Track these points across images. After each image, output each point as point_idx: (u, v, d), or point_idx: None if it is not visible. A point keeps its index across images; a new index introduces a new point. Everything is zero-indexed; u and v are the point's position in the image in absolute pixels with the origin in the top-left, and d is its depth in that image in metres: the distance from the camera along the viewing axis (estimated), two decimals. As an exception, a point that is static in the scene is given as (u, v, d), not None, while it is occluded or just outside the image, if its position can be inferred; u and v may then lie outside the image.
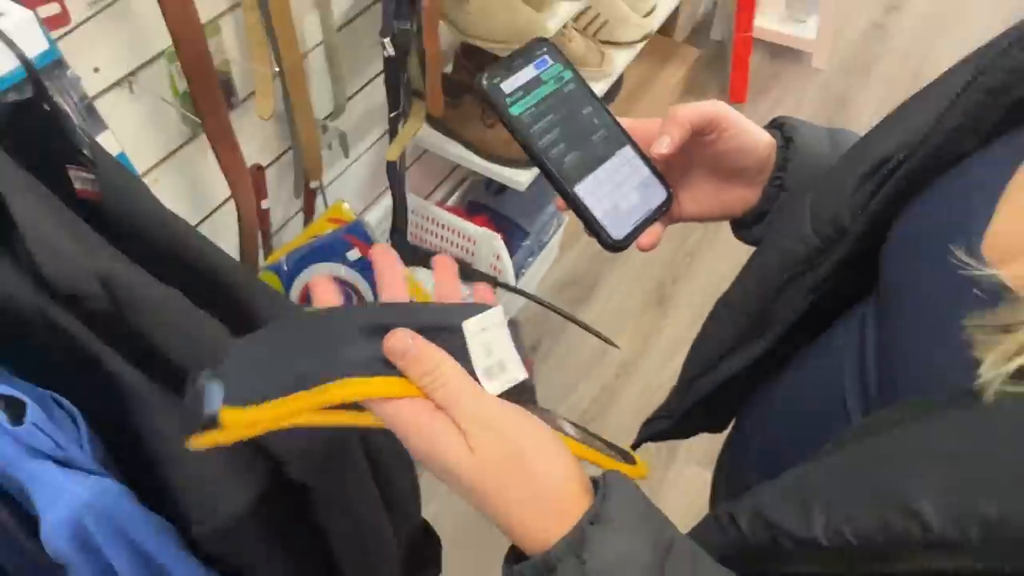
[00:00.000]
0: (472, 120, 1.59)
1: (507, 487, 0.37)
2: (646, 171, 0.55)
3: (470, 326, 0.39)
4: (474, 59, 1.57)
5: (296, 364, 0.38)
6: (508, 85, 0.51)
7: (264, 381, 0.37)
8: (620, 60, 1.81)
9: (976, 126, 0.44)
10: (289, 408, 0.36)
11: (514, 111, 0.51)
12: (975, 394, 0.33)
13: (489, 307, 0.40)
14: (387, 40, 1.15)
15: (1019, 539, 0.29)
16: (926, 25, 2.80)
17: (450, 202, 2.01)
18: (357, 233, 1.36)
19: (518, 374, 0.40)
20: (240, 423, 0.36)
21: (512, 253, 1.80)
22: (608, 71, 1.78)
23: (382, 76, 1.29)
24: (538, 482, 0.38)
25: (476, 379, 0.39)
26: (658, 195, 0.55)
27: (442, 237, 1.74)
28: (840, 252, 0.49)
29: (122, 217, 0.56)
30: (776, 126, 0.59)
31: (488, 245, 1.66)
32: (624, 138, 0.55)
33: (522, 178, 1.57)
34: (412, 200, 1.69)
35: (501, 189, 1.92)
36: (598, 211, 0.52)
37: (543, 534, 0.37)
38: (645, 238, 0.54)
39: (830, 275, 0.50)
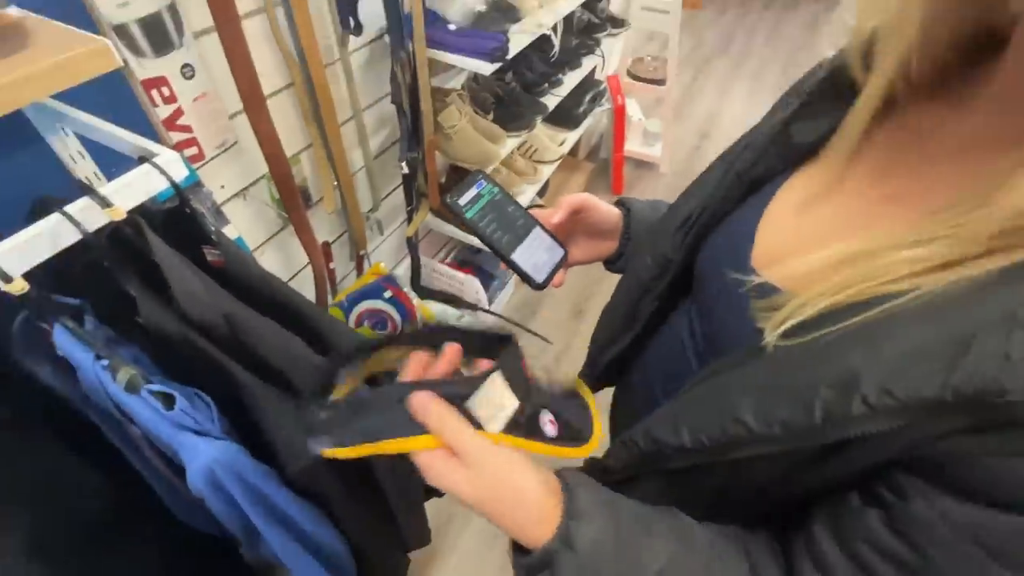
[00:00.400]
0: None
1: (500, 501, 0.35)
2: (549, 239, 0.56)
3: (475, 397, 0.37)
4: (458, 173, 1.58)
5: (367, 423, 0.38)
6: (462, 200, 0.52)
7: (349, 434, 0.37)
8: (545, 172, 1.83)
9: (736, 193, 0.45)
10: (362, 451, 0.37)
11: (468, 215, 0.52)
12: (763, 349, 0.33)
13: (489, 374, 0.36)
14: (403, 163, 1.15)
15: (801, 431, 0.29)
16: (727, 143, 2.90)
17: (448, 260, 2.00)
18: (390, 281, 1.34)
19: (513, 406, 0.37)
20: (335, 454, 0.37)
21: (486, 289, 1.79)
22: (539, 179, 1.79)
23: (402, 185, 1.29)
24: (521, 494, 0.35)
25: (480, 425, 0.36)
26: (559, 252, 0.56)
27: (443, 281, 1.72)
28: (671, 274, 0.49)
29: (239, 277, 0.56)
30: (620, 203, 0.61)
31: (471, 285, 1.66)
32: (534, 222, 0.55)
33: (490, 243, 1.57)
34: (423, 259, 1.68)
35: (478, 251, 1.93)
36: (527, 267, 0.53)
37: (536, 532, 0.34)
38: (556, 279, 0.55)
39: (666, 287, 0.50)
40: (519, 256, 0.53)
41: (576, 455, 0.41)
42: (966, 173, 0.32)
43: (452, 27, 1.18)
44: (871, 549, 0.29)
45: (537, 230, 0.55)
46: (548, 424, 0.40)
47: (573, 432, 0.41)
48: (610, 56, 2.32)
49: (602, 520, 0.34)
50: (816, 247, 0.35)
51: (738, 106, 3.21)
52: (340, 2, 0.93)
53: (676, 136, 2.85)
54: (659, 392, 0.49)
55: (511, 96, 1.51)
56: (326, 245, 1.28)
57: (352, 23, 0.96)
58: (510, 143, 1.45)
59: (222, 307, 0.47)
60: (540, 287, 0.54)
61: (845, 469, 0.30)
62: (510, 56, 1.18)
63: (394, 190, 1.45)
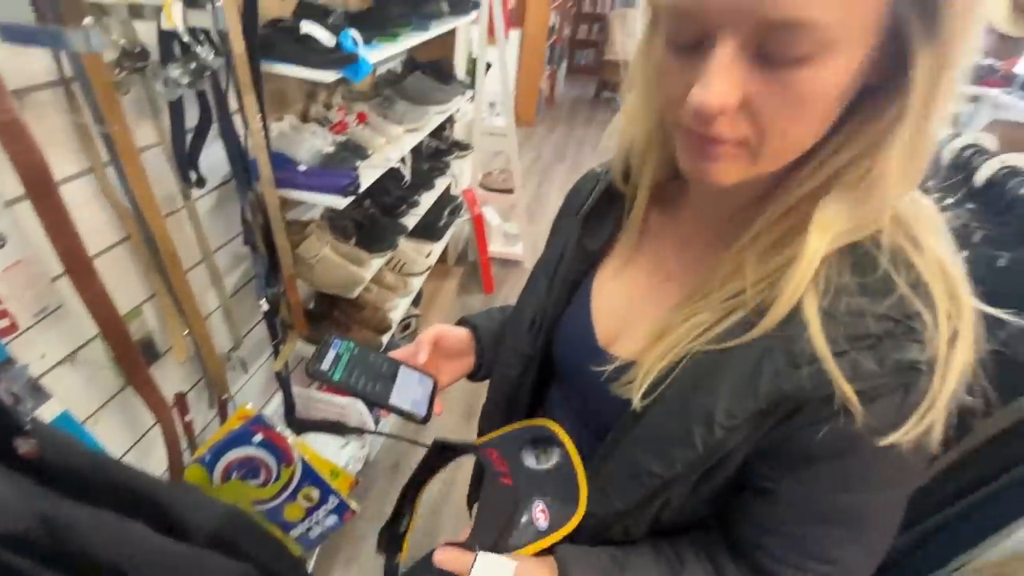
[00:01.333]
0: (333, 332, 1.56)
1: None
2: (416, 374, 0.57)
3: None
4: (327, 298, 1.56)
5: None
6: (324, 366, 0.51)
7: None
8: (415, 283, 1.89)
9: (564, 295, 0.53)
10: None
11: (336, 378, 0.51)
12: (637, 412, 0.41)
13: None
14: (262, 301, 1.12)
15: (695, 462, 0.39)
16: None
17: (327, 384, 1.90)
18: (260, 423, 1.23)
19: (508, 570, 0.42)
20: None
21: (371, 408, 1.72)
22: (410, 291, 1.84)
23: (264, 320, 1.25)
24: None
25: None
26: (429, 383, 0.57)
27: (323, 409, 1.62)
28: (534, 368, 0.56)
29: (61, 466, 0.49)
30: (463, 322, 0.65)
31: (354, 408, 1.58)
32: (397, 363, 0.56)
33: (368, 362, 1.54)
34: (298, 391, 1.58)
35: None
36: (407, 407, 0.53)
37: None
38: (436, 408, 0.56)
39: (534, 379, 0.57)
40: (396, 399, 0.53)
41: (569, 529, 0.45)
42: (699, 259, 0.45)
43: (302, 168, 1.24)
44: (765, 525, 0.40)
45: (403, 369, 0.56)
46: (540, 516, 0.46)
47: (563, 512, 0.46)
48: (462, 174, 2.56)
49: None
50: (637, 322, 0.46)
51: (581, 203, 3.67)
52: (179, 158, 0.94)
53: (533, 235, 3.14)
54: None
55: (371, 220, 1.59)
56: (180, 397, 1.16)
57: (194, 176, 0.97)
58: (375, 263, 1.49)
59: (37, 509, 0.40)
60: (426, 420, 0.54)
61: (725, 473, 0.40)
62: (362, 189, 1.26)
63: (256, 324, 1.39)
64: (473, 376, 0.65)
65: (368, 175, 1.34)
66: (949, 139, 1.39)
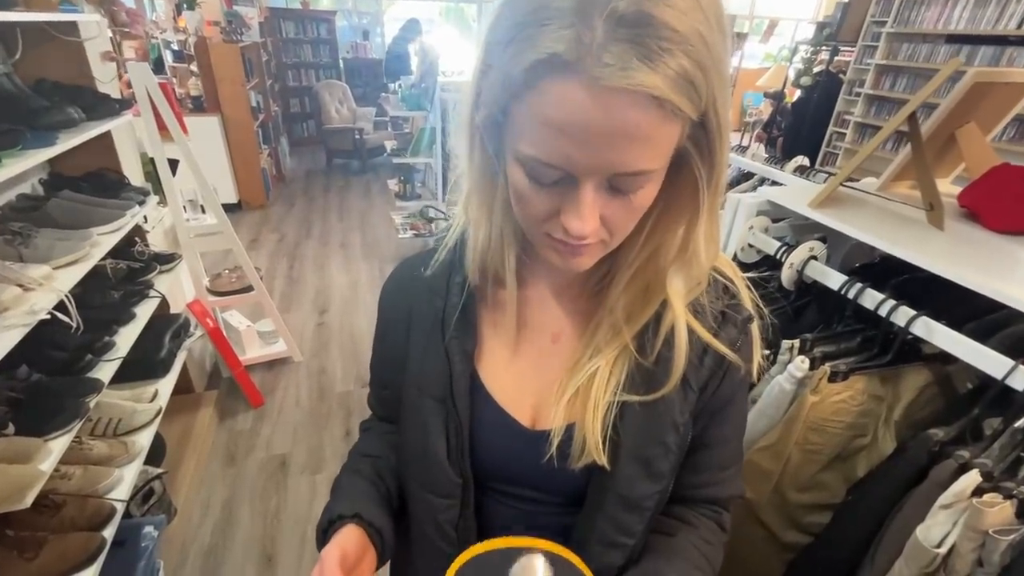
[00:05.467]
0: (11, 564, 1.10)
1: None
2: None
3: None
4: (-11, 518, 1.10)
5: None
6: None
7: None
8: (144, 438, 1.49)
9: (464, 402, 0.51)
10: None
11: None
12: (605, 471, 0.48)
13: None
14: None
15: (673, 468, 0.51)
16: (344, 310, 3.07)
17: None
18: None
19: None
20: None
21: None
22: (138, 451, 1.45)
23: None
24: None
25: None
26: None
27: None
28: (471, 492, 0.52)
29: None
30: (339, 519, 0.52)
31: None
32: None
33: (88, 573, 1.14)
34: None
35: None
36: None
37: None
38: None
39: (471, 504, 0.53)
40: None
41: None
42: (572, 314, 0.52)
43: None
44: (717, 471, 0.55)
45: None
46: None
47: None
48: (179, 287, 2.17)
49: None
50: (547, 391, 0.50)
51: (339, 276, 3.50)
52: None
53: (295, 324, 2.87)
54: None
55: (36, 392, 1.19)
56: None
57: None
58: (57, 446, 1.12)
59: None
60: None
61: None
62: (-8, 365, 0.93)
63: None
64: (379, 565, 0.54)
65: (2, 341, 1.00)
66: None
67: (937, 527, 0.65)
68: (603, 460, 0.46)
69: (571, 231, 0.38)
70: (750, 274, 0.54)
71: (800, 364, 0.84)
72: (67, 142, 1.31)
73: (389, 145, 4.10)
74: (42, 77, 1.54)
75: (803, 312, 1.05)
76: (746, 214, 1.12)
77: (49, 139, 1.26)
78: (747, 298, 0.50)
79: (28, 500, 1.00)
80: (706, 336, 0.47)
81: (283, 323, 2.52)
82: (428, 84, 3.42)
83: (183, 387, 2.09)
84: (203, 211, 2.30)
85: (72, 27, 1.60)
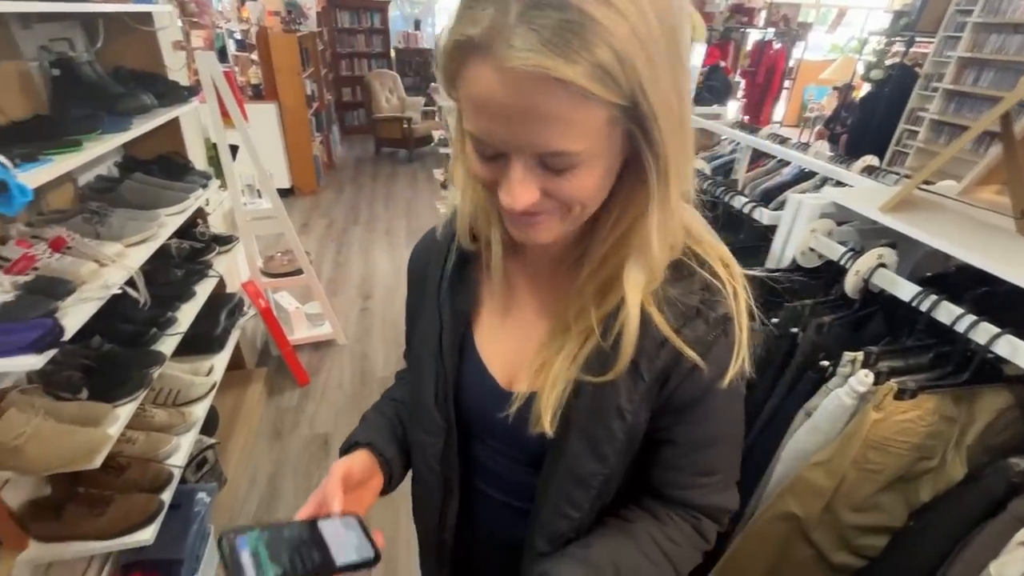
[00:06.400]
0: (82, 519, 1.19)
1: None
2: (337, 520, 0.50)
3: None
4: (67, 476, 1.19)
5: None
6: (249, 572, 0.42)
7: None
8: (199, 410, 1.58)
9: (452, 360, 0.55)
10: None
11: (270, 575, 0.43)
12: (559, 440, 0.50)
13: None
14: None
15: (624, 448, 0.51)
16: (387, 298, 3.15)
17: (105, 574, 1.46)
18: None
19: None
20: None
21: (177, 582, 1.37)
22: (193, 421, 1.54)
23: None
24: None
25: None
26: (354, 521, 0.51)
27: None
28: (453, 435, 0.58)
29: None
30: (355, 445, 0.60)
31: (141, 599, 1.24)
32: (314, 522, 0.49)
33: (146, 534, 1.22)
34: (48, 611, 1.18)
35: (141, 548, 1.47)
36: (355, 559, 0.47)
37: None
38: (378, 540, 0.49)
39: (456, 447, 0.59)
40: (340, 557, 0.46)
41: None
42: (552, 295, 0.53)
43: (-36, 331, 0.93)
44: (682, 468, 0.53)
45: (322, 524, 0.49)
46: None
47: None
48: (236, 268, 2.27)
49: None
50: (524, 359, 0.52)
51: (384, 263, 3.58)
52: None
53: (340, 308, 2.96)
54: (513, 502, 0.60)
55: (107, 361, 1.28)
56: None
57: None
58: (124, 413, 1.20)
59: None
60: (379, 558, 0.48)
61: (639, 443, 0.51)
62: (70, 334, 1.00)
63: (-56, 557, 0.99)
64: (386, 490, 0.62)
65: (80, 313, 1.07)
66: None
67: (1015, 565, 0.60)
68: (549, 431, 0.48)
69: (503, 204, 0.40)
70: (771, 273, 0.52)
71: (863, 378, 0.79)
72: (141, 127, 1.38)
73: (436, 135, 4.14)
74: (119, 65, 1.63)
75: (866, 323, 0.98)
76: (808, 216, 1.06)
77: (125, 124, 1.33)
78: (742, 300, 0.48)
79: (98, 461, 1.08)
80: (665, 329, 0.46)
81: (330, 306, 2.60)
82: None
83: (235, 363, 2.19)
84: (259, 196, 2.40)
85: (147, 17, 1.69)
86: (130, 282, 1.26)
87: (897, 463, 0.80)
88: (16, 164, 0.92)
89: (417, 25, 7.21)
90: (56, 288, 1.06)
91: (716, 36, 4.90)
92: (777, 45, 5.59)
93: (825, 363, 0.86)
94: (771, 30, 5.56)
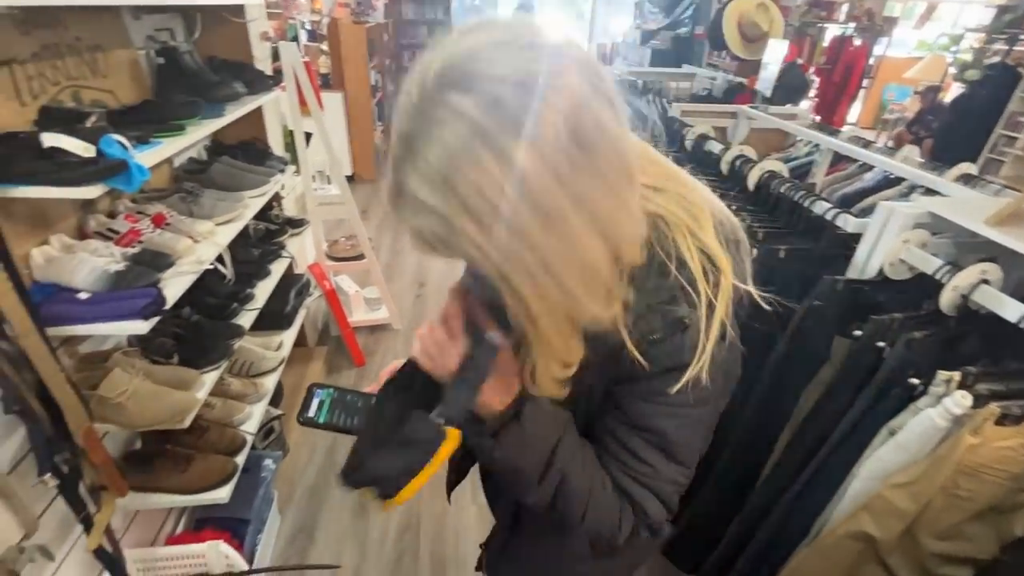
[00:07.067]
0: (168, 473, 1.30)
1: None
2: None
3: None
4: (156, 433, 1.30)
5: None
6: (311, 412, 0.61)
7: None
8: (269, 382, 1.68)
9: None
10: None
11: (320, 420, 0.61)
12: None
13: None
14: (47, 477, 0.89)
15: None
16: (441, 284, 3.22)
17: (180, 529, 1.59)
18: (77, 625, 0.97)
19: None
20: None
21: (241, 540, 1.48)
22: (264, 392, 1.63)
23: (61, 494, 0.99)
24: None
25: None
26: None
27: (175, 567, 1.34)
28: None
29: None
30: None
31: (215, 551, 1.33)
32: (370, 396, 0.61)
33: (222, 493, 1.32)
34: (137, 554, 1.30)
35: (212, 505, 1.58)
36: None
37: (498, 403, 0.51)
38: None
39: None
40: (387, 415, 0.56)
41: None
42: None
43: (83, 296, 1.03)
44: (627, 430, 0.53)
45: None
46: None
47: None
48: (304, 250, 2.39)
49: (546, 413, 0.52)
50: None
51: (439, 251, 3.66)
52: None
53: (395, 294, 3.04)
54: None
55: (195, 331, 1.38)
56: (-53, 630, 0.86)
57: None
58: (208, 379, 1.29)
59: None
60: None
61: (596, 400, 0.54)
62: (171, 304, 1.09)
63: (56, 497, 1.10)
64: None
65: (177, 285, 1.16)
66: (722, 152, 1.64)
67: None
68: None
69: None
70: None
71: (961, 400, 0.74)
72: (233, 113, 1.48)
73: (495, 127, 4.16)
74: (213, 55, 1.74)
75: (959, 341, 0.93)
76: (900, 225, 1.01)
77: (219, 110, 1.43)
78: (718, 313, 0.46)
79: (187, 421, 1.18)
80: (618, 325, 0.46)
81: (387, 291, 2.69)
82: (540, 68, 3.41)
83: (298, 341, 2.30)
84: (328, 182, 2.50)
85: (239, 9, 1.79)
86: (219, 258, 1.35)
87: (991, 492, 0.75)
88: (133, 145, 1.01)
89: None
90: (159, 261, 1.16)
91: (792, 32, 4.66)
92: (858, 41, 5.26)
93: (915, 381, 0.82)
94: (851, 25, 5.24)
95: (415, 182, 0.36)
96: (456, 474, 0.84)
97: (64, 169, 0.89)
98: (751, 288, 0.50)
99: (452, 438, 0.47)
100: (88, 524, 1.03)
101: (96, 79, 1.30)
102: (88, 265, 1.07)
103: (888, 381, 0.85)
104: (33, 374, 0.86)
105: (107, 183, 0.92)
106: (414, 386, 0.55)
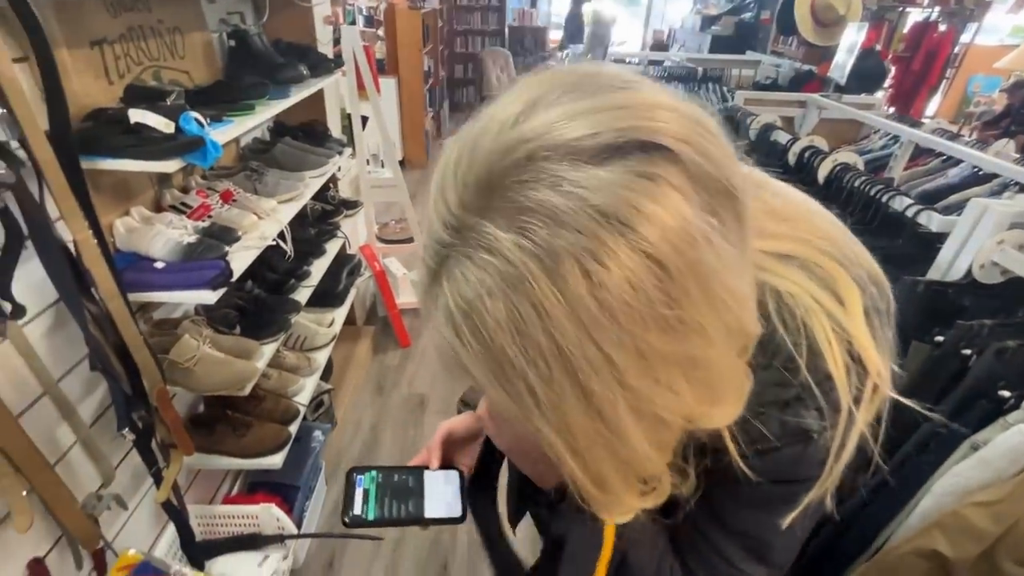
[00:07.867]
0: (228, 437, 1.38)
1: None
2: (441, 473, 0.56)
3: None
4: (217, 399, 1.38)
5: None
6: (356, 509, 0.51)
7: None
8: (321, 357, 1.74)
9: None
10: None
11: (370, 517, 0.51)
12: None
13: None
14: (125, 432, 0.95)
15: None
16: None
17: (235, 492, 1.68)
18: (146, 570, 1.05)
19: None
20: None
21: (291, 505, 1.55)
22: (316, 367, 1.70)
23: (135, 448, 1.06)
24: None
25: None
26: (455, 477, 0.57)
27: (233, 523, 1.43)
28: None
29: None
30: (465, 404, 0.65)
31: (268, 513, 1.41)
32: (421, 471, 0.56)
33: (276, 460, 1.38)
34: (197, 510, 1.38)
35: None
36: (443, 513, 0.53)
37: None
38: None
39: None
40: (431, 511, 0.53)
41: None
42: None
43: (159, 265, 1.10)
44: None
45: (427, 475, 0.56)
46: None
47: None
48: (356, 231, 2.45)
49: None
50: None
51: (485, 238, 3.67)
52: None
53: (442, 277, 3.09)
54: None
55: (257, 303, 1.44)
56: (37, 563, 0.95)
57: (8, 307, 0.81)
58: (267, 350, 1.35)
59: None
60: (463, 518, 0.53)
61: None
62: (237, 276, 1.14)
63: (131, 450, 1.19)
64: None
65: (242, 259, 1.22)
66: (789, 143, 1.55)
67: None
68: None
69: None
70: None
71: (1060, 417, 0.68)
72: (298, 95, 1.52)
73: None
74: (279, 38, 1.80)
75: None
76: (995, 225, 0.92)
77: (285, 92, 1.47)
78: (858, 422, 0.35)
79: (248, 389, 1.24)
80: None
81: (433, 276, 2.73)
82: (596, 55, 3.34)
83: (348, 319, 2.38)
84: (382, 165, 2.55)
85: (305, -7, 1.84)
86: (280, 235, 1.41)
87: (1088, 520, 0.68)
88: (208, 123, 1.06)
89: (533, 3, 7.18)
90: (227, 235, 1.22)
91: (868, 16, 4.35)
92: (943, 27, 4.85)
93: (1005, 393, 0.76)
94: (937, 9, 4.83)
95: (442, 316, 0.28)
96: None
97: (147, 144, 0.94)
98: (894, 367, 0.38)
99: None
100: (158, 478, 1.10)
101: (175, 60, 1.36)
102: (164, 236, 1.13)
103: (974, 392, 0.79)
104: (116, 335, 0.92)
105: (185, 158, 0.97)
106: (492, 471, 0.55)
